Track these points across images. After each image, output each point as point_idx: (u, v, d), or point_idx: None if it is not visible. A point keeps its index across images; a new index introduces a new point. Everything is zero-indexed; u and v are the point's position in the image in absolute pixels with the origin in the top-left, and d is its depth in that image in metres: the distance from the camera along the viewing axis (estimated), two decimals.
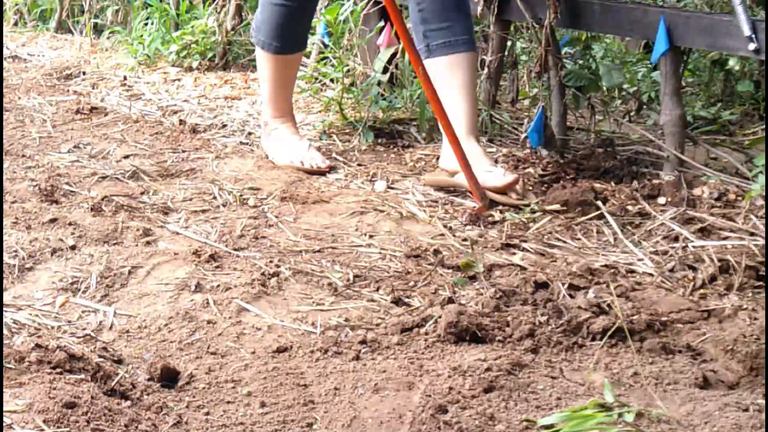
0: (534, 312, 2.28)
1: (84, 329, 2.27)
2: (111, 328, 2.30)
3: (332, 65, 4.11)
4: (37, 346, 2.00)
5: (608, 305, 2.30)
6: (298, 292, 2.46)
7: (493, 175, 3.02)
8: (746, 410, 1.87)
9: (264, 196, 3.14)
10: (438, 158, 3.40)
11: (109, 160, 3.45)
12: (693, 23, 3.07)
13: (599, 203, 2.94)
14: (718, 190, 2.94)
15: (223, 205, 3.05)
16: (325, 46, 4.21)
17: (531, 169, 3.28)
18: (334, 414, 1.94)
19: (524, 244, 2.73)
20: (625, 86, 3.87)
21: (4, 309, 2.27)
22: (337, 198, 3.08)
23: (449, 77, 3.13)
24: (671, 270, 2.57)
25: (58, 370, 1.95)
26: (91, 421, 1.78)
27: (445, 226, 2.87)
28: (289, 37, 3.37)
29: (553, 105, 3.49)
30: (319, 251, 2.72)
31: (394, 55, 3.91)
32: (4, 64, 4.88)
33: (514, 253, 2.68)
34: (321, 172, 3.34)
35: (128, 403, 1.93)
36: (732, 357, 2.11)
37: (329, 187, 3.19)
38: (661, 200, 2.94)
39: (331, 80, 4.13)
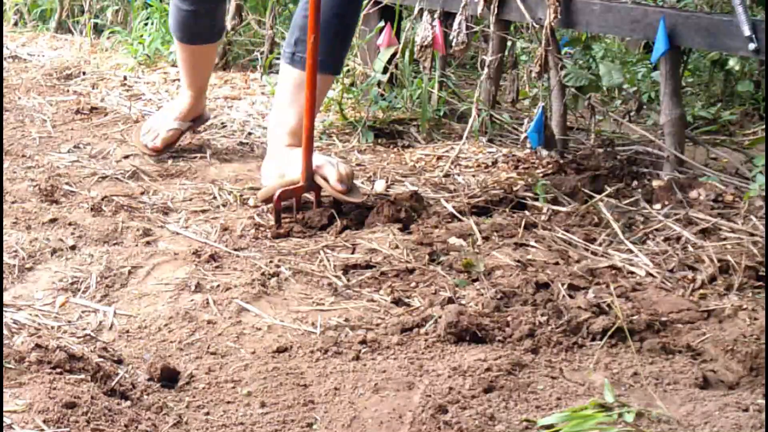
0: (534, 312, 2.28)
1: (84, 329, 2.27)
2: (111, 328, 2.29)
3: None
4: (37, 346, 2.00)
5: (608, 305, 2.29)
6: (298, 292, 2.46)
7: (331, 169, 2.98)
8: (746, 410, 1.87)
9: None
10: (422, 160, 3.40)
11: (109, 160, 3.45)
12: (693, 23, 3.08)
13: (600, 204, 2.95)
14: (714, 191, 2.94)
15: (223, 205, 3.05)
16: None
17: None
18: (334, 414, 1.94)
19: (526, 245, 2.73)
20: (625, 86, 3.87)
21: (4, 309, 2.27)
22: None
23: (297, 90, 3.23)
24: (671, 270, 2.56)
25: (58, 370, 1.95)
26: (91, 421, 1.78)
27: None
28: (190, 33, 3.40)
29: (553, 105, 3.49)
30: (319, 251, 2.72)
31: (394, 55, 3.92)
32: (4, 64, 4.88)
33: (515, 254, 2.68)
34: (150, 152, 3.44)
35: (128, 403, 1.93)
36: (732, 357, 2.11)
37: None
38: (657, 206, 2.94)
39: None
